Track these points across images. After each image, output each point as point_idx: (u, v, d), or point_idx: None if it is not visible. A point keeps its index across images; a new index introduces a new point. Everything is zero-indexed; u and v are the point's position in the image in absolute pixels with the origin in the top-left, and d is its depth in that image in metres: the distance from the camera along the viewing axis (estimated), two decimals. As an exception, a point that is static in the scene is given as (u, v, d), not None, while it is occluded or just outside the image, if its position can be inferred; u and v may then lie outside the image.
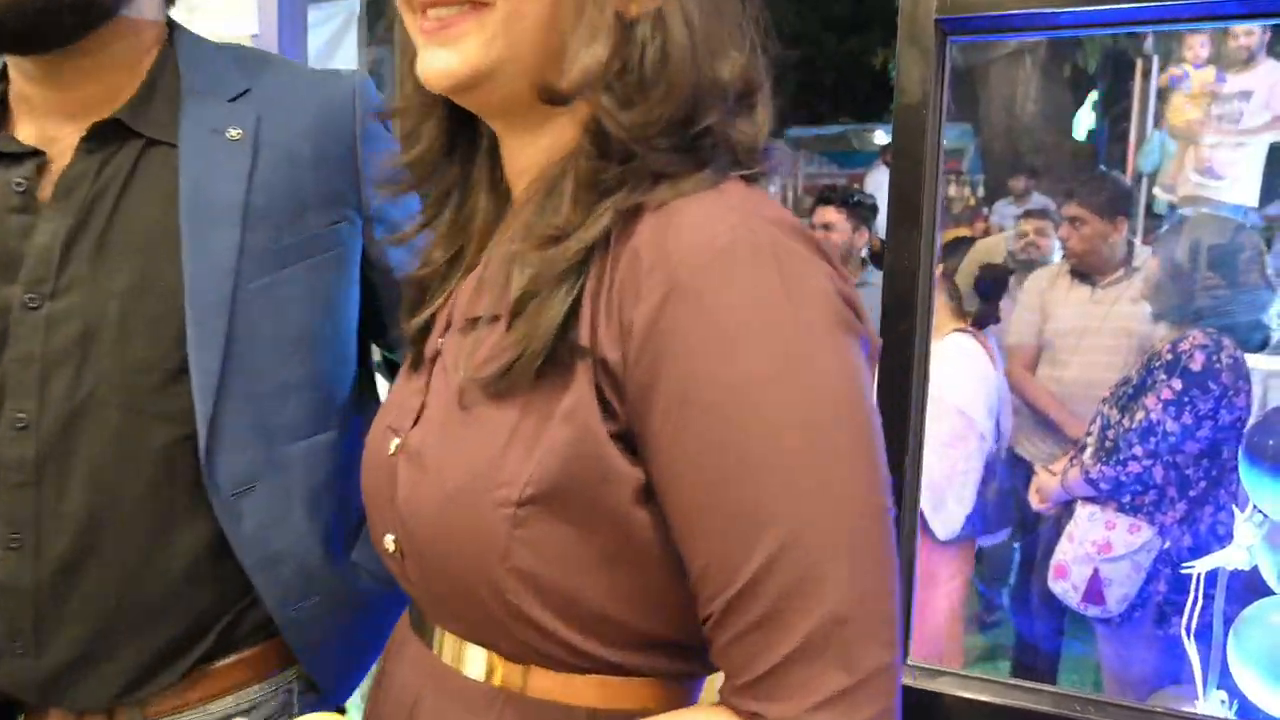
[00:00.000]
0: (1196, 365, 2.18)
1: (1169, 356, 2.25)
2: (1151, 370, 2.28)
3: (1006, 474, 2.70)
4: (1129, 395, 2.34)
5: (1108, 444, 2.31)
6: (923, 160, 1.20)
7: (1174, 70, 5.18)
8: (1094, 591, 2.25)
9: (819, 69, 21.72)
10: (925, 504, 2.53)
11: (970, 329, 2.71)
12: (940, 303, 2.73)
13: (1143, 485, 2.25)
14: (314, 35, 3.39)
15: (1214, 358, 2.18)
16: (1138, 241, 3.21)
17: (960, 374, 2.55)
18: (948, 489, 2.51)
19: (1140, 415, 2.23)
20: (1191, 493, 2.23)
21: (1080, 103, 11.26)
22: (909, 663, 1.24)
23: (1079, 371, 3.13)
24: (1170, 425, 2.19)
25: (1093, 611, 2.29)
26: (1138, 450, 2.22)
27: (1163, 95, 5.27)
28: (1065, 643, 2.93)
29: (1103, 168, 4.59)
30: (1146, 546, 2.24)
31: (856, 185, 7.99)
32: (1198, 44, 5.10)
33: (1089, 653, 3.23)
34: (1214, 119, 4.95)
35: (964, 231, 8.50)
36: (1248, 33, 4.78)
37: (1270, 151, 4.97)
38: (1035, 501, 2.56)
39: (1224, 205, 4.76)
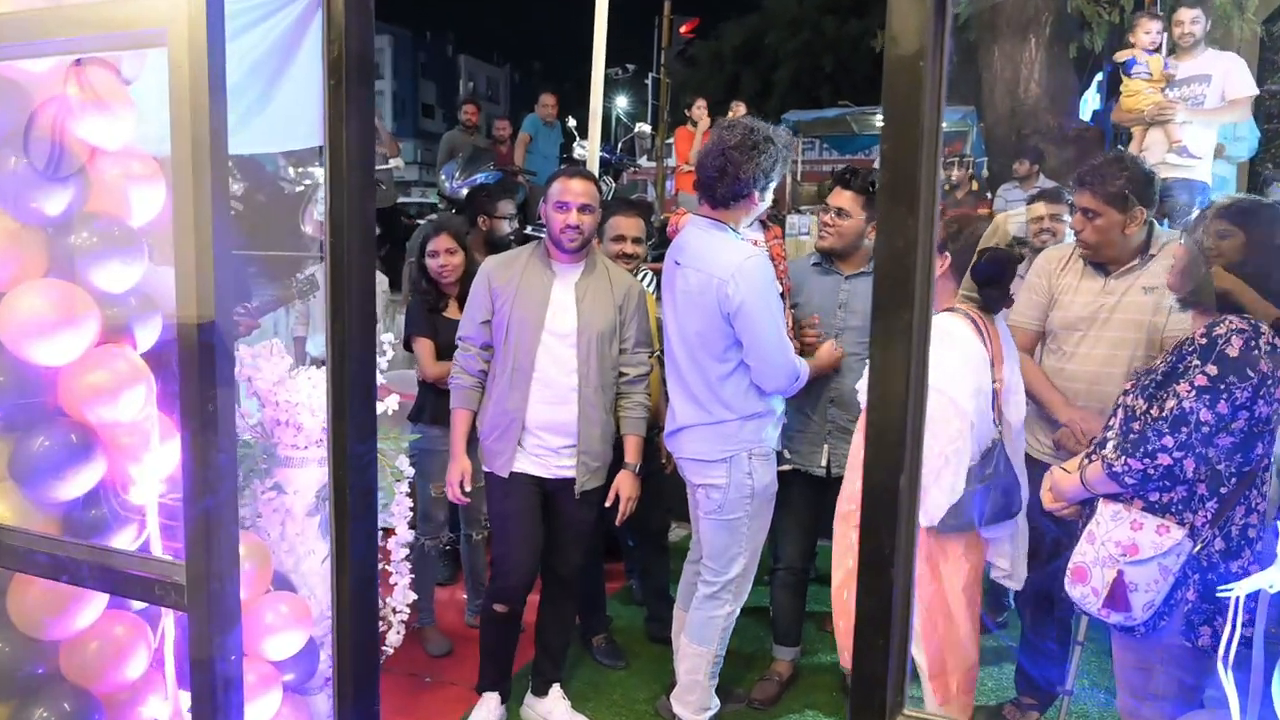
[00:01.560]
0: (1234, 350, 2.00)
1: (1203, 341, 2.06)
2: (1183, 356, 2.09)
3: (1007, 464, 2.55)
4: (1156, 383, 2.15)
5: (1133, 436, 2.12)
6: (918, 124, 1.02)
7: (1124, 54, 5.43)
8: (1118, 596, 2.07)
9: (818, 53, 21.58)
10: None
11: (959, 308, 2.54)
12: (949, 291, 2.55)
13: (1172, 480, 2.06)
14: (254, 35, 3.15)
15: (1252, 343, 1.99)
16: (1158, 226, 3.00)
17: (938, 352, 2.39)
18: (927, 474, 2.35)
19: (1171, 404, 2.05)
20: (1223, 490, 2.05)
21: (1087, 84, 11.05)
22: (906, 711, 1.07)
23: (1080, 364, 2.97)
24: (1204, 415, 2.00)
25: (1115, 619, 2.11)
26: (1168, 441, 2.03)
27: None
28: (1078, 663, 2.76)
29: (1121, 148, 4.51)
30: (1176, 549, 2.05)
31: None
32: (1154, 30, 5.35)
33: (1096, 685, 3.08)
34: (1177, 102, 5.15)
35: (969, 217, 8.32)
36: (1193, 20, 5.12)
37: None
38: (1047, 501, 2.37)
39: (1196, 183, 5.09)
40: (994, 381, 2.47)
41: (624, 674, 3.61)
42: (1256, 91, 5.25)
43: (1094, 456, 2.22)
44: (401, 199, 10.75)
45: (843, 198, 3.16)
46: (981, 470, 2.42)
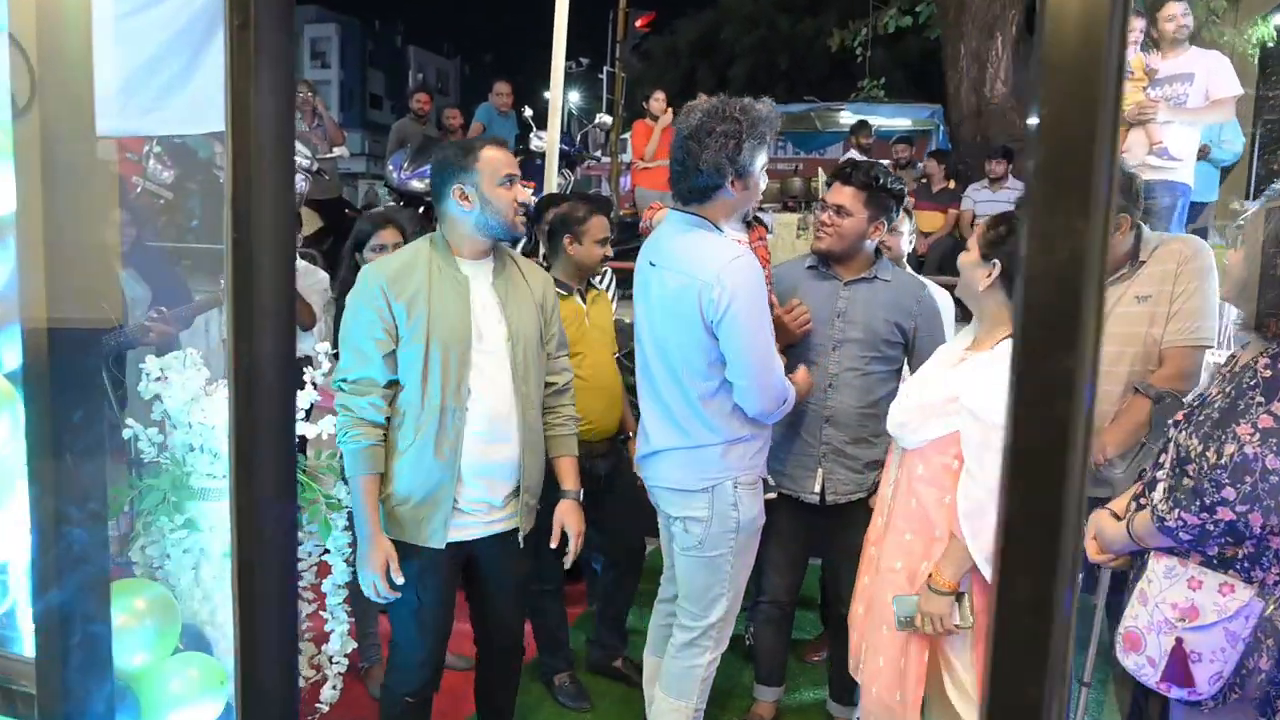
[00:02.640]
0: None
1: (1267, 374, 1.77)
2: (1243, 390, 1.81)
3: None
4: (1213, 421, 1.86)
5: (1187, 483, 1.83)
6: (1098, 79, 0.70)
7: None
8: (1178, 668, 1.78)
9: (773, 50, 21.44)
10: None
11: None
12: (998, 303, 2.23)
13: (1235, 536, 1.78)
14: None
15: None
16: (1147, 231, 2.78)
17: (1001, 384, 2.09)
18: (984, 508, 2.06)
19: (1231, 449, 1.76)
20: (1301, 544, 1.77)
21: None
22: None
23: None
24: (1271, 461, 1.71)
25: (1177, 694, 1.82)
26: (1229, 493, 1.74)
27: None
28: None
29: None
30: (1244, 612, 1.77)
31: (823, 170, 7.50)
32: (1137, 27, 5.15)
33: None
34: (1159, 101, 4.98)
35: (939, 216, 8.11)
36: (1174, 18, 4.98)
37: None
38: (1092, 552, 2.08)
39: (1179, 185, 4.97)
40: None
41: (589, 717, 3.27)
42: (1241, 91, 5.10)
43: (1143, 500, 1.93)
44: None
45: (843, 194, 2.81)
46: None
